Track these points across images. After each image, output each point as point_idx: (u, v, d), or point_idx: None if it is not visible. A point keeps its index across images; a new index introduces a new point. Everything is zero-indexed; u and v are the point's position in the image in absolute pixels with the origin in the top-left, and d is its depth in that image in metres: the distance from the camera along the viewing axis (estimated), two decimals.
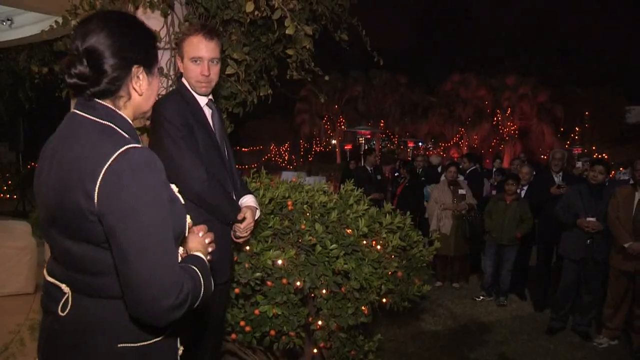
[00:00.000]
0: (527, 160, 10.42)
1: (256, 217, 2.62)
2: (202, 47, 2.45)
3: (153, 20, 3.31)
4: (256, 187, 3.34)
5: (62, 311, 1.40)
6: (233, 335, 3.30)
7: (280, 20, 3.24)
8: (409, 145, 21.45)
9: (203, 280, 1.41)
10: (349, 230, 3.30)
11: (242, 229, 2.53)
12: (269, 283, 3.11)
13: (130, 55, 1.38)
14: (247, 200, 2.63)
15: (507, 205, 6.58)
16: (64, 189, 1.31)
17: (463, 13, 35.96)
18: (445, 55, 33.10)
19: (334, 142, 34.43)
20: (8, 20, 8.38)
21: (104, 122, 1.39)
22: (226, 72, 3.36)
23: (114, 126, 1.40)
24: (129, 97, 1.44)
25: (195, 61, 2.45)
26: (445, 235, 7.28)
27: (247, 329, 3.20)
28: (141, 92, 1.43)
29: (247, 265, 3.02)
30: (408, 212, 3.78)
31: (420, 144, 29.40)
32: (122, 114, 1.44)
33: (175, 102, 2.45)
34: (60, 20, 3.29)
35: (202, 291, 1.39)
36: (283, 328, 3.14)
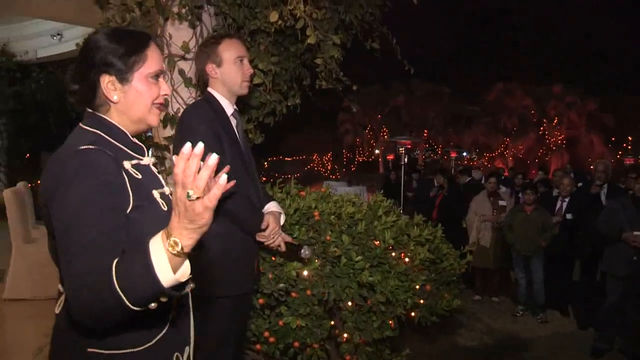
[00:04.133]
0: (573, 172, 10.08)
1: (281, 222, 2.60)
2: (241, 47, 2.55)
3: (182, 31, 3.36)
4: (282, 198, 3.32)
5: (57, 309, 1.43)
6: (258, 346, 3.28)
7: (304, 29, 3.23)
8: (452, 155, 21.19)
9: (118, 283, 1.13)
10: (376, 242, 3.24)
11: (267, 236, 2.50)
12: (293, 294, 3.08)
13: (91, 66, 1.42)
14: (270, 207, 2.61)
15: (527, 216, 6.45)
16: (42, 190, 1.36)
17: (505, 22, 35.30)
18: (488, 64, 32.55)
19: (377, 152, 34.33)
20: (58, 34, 8.75)
21: (91, 129, 1.44)
22: (253, 82, 3.36)
23: (101, 133, 1.43)
24: (109, 105, 1.46)
25: (241, 60, 2.51)
26: (484, 248, 7.11)
27: (271, 339, 3.16)
28: (115, 100, 1.44)
29: (270, 276, 3.00)
30: (440, 224, 3.69)
31: (464, 154, 28.97)
32: (112, 121, 1.47)
33: (204, 111, 2.46)
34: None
35: (118, 296, 1.13)
36: (307, 340, 3.10)
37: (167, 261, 1.10)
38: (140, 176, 1.43)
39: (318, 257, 3.15)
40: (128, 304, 1.12)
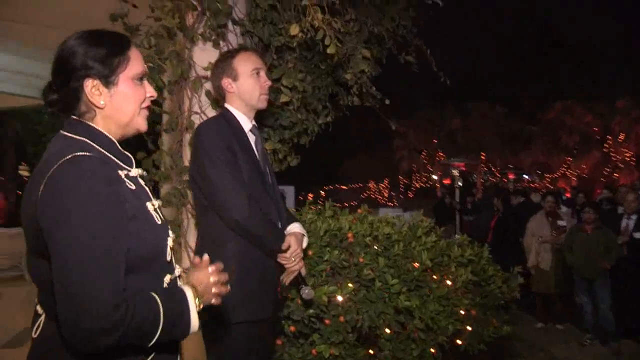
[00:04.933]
0: None
1: (304, 245, 2.44)
2: (257, 60, 2.45)
3: (209, 52, 3.30)
4: (313, 219, 3.16)
5: (35, 333, 1.33)
6: None
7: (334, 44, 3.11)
8: (510, 177, 20.35)
9: (164, 317, 1.23)
10: (415, 264, 3.02)
11: (288, 258, 2.35)
12: (326, 321, 2.89)
13: (70, 71, 1.34)
14: (292, 227, 2.46)
15: (587, 236, 6.02)
16: (26, 203, 1.27)
17: (559, 37, 34.15)
18: (545, 81, 31.50)
19: (434, 177, 33.73)
20: None
21: (79, 137, 1.34)
22: (281, 100, 3.26)
23: (89, 141, 1.33)
24: (94, 111, 1.38)
25: (257, 73, 2.41)
26: (544, 271, 6.68)
27: None
28: (101, 106, 1.36)
29: (299, 302, 2.83)
30: (484, 244, 3.44)
31: (525, 176, 28.00)
32: (99, 129, 1.38)
33: (219, 126, 2.37)
34: None
35: (159, 326, 1.21)
36: None
37: (196, 314, 1.34)
38: (133, 187, 1.35)
39: (352, 281, 2.96)
40: (152, 338, 1.23)
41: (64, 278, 1.14)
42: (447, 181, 26.26)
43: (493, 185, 27.28)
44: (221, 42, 3.34)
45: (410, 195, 35.14)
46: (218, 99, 2.57)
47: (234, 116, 2.42)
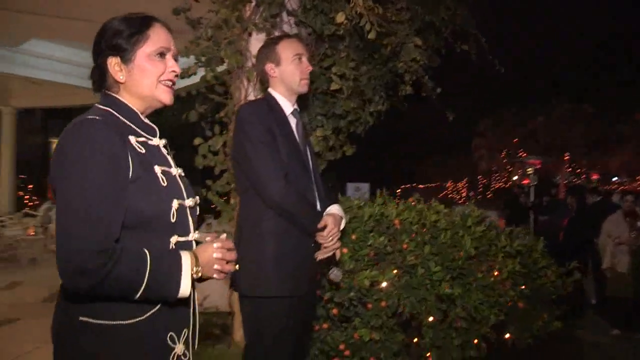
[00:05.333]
0: None
1: (341, 226, 2.48)
2: (299, 46, 2.53)
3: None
4: (359, 204, 3.20)
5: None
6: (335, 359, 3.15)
7: (384, 33, 3.14)
8: (593, 178, 19.22)
9: (149, 273, 1.31)
10: (461, 253, 2.99)
11: (325, 237, 2.40)
12: (368, 305, 2.92)
13: (99, 51, 1.50)
14: (331, 209, 2.51)
15: None
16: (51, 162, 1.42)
17: None
18: (638, 80, 29.50)
19: (515, 177, 32.57)
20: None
21: (103, 107, 1.48)
22: (331, 88, 3.32)
23: (112, 110, 1.48)
24: (117, 87, 1.52)
25: (299, 58, 2.50)
26: (621, 274, 6.32)
27: (347, 353, 3.02)
28: (122, 80, 1.49)
29: (341, 285, 2.88)
30: (541, 238, 3.33)
31: (615, 179, 26.45)
32: (123, 100, 1.51)
33: (259, 108, 2.47)
34: (182, 51, 3.55)
35: (142, 281, 1.30)
36: (381, 355, 2.90)
37: (189, 280, 1.39)
38: (143, 150, 1.46)
39: (396, 267, 2.97)
40: (137, 293, 1.31)
41: (59, 223, 1.29)
42: (526, 181, 25.25)
43: (573, 185, 25.97)
44: (276, 32, 3.45)
45: (490, 195, 34.11)
46: (263, 83, 2.66)
47: (276, 100, 2.51)
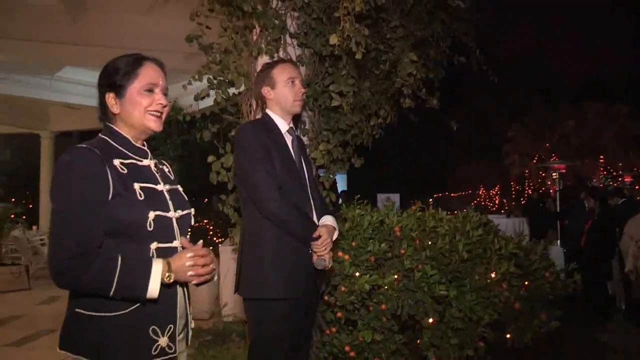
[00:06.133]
0: None
1: (334, 237, 2.68)
2: (293, 70, 2.77)
3: None
4: (360, 213, 3.39)
5: None
6: None
7: (380, 51, 3.35)
8: (626, 180, 18.81)
9: (118, 276, 1.54)
10: (459, 257, 3.13)
11: (319, 246, 2.60)
12: (369, 308, 3.10)
13: (100, 87, 1.79)
14: (325, 220, 2.71)
15: None
16: None
17: None
18: None
19: (549, 183, 32.02)
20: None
21: (101, 135, 1.78)
22: (331, 105, 3.53)
23: (106, 138, 1.77)
24: (115, 117, 1.79)
25: (292, 81, 2.72)
26: None
27: (352, 354, 3.19)
28: (117, 112, 1.77)
29: (343, 289, 3.06)
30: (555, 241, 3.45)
31: None
32: (117, 129, 1.79)
33: (256, 127, 2.71)
34: (196, 75, 3.82)
35: (113, 282, 1.53)
36: (381, 355, 3.07)
37: (158, 284, 1.59)
38: (125, 171, 1.70)
39: (396, 271, 3.14)
40: (109, 291, 1.55)
41: (49, 231, 1.60)
42: (553, 187, 24.71)
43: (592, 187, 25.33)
44: (281, 54, 3.69)
45: (523, 201, 33.58)
46: (260, 104, 2.89)
47: (272, 119, 2.74)
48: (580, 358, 3.11)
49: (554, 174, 10.41)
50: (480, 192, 40.44)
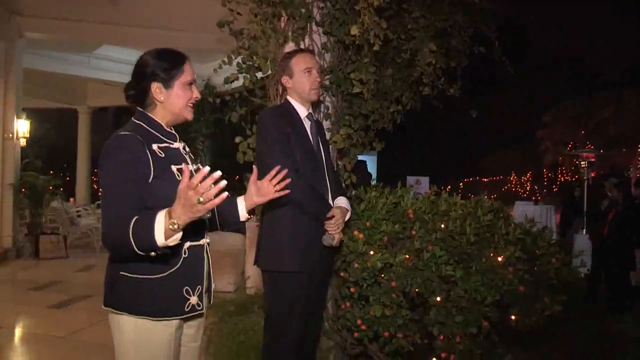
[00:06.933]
0: None
1: (346, 218, 2.89)
2: (310, 60, 2.99)
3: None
4: (376, 195, 3.56)
5: None
6: (355, 334, 3.54)
7: (401, 40, 3.50)
8: None
9: (132, 231, 1.68)
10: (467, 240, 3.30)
11: (332, 225, 2.81)
12: (381, 285, 3.29)
13: (144, 76, 1.99)
14: (338, 201, 2.92)
15: None
16: None
17: None
18: None
19: (581, 171, 31.46)
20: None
21: (136, 121, 2.01)
22: (353, 91, 3.70)
23: (142, 123, 1.99)
24: (155, 104, 2.02)
25: (309, 71, 2.93)
26: None
27: (363, 327, 3.40)
28: (161, 100, 2.00)
29: (356, 265, 3.26)
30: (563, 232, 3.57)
31: None
32: (151, 115, 2.03)
33: (276, 112, 2.94)
34: (226, 59, 4.03)
35: (130, 240, 1.69)
36: (390, 329, 3.27)
37: (163, 232, 1.64)
38: (163, 155, 1.94)
39: (407, 251, 3.32)
40: (134, 248, 1.70)
41: (101, 206, 1.84)
42: (593, 173, 24.26)
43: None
44: (307, 42, 3.86)
45: (555, 189, 33.10)
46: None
47: (292, 106, 2.95)
48: (585, 345, 3.24)
49: (582, 163, 10.35)
50: (511, 178, 40.02)
